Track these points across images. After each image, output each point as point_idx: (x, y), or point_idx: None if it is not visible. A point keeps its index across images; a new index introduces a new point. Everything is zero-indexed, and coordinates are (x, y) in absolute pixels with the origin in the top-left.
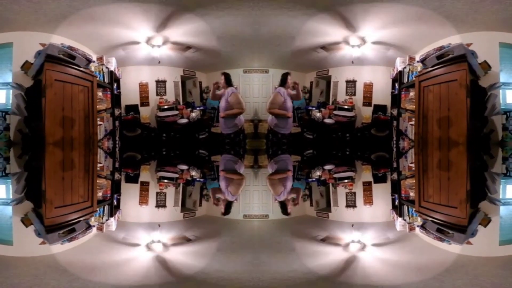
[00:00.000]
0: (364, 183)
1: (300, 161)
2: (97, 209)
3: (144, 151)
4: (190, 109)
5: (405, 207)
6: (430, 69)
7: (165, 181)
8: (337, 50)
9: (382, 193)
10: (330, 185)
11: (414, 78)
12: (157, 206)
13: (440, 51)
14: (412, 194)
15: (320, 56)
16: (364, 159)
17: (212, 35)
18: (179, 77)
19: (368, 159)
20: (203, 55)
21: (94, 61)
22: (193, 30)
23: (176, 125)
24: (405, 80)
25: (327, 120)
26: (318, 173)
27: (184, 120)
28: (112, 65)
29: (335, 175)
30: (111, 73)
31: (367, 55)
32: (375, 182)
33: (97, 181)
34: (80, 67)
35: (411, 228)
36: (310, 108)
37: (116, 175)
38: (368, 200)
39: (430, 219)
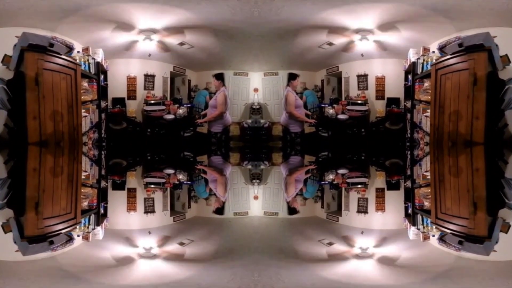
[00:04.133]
0: (377, 190)
1: (314, 163)
2: (81, 219)
3: (130, 149)
4: (177, 105)
5: (419, 216)
6: (448, 56)
7: (152, 186)
8: (345, 44)
9: (394, 200)
10: (343, 189)
11: (430, 68)
12: (146, 212)
13: (457, 39)
14: (426, 203)
15: (328, 53)
16: (378, 164)
17: (209, 32)
18: (169, 73)
19: (382, 165)
20: (196, 53)
21: (77, 50)
22: (188, 24)
23: (162, 120)
24: (419, 71)
25: (341, 116)
26: (331, 176)
27: (171, 116)
28: (99, 56)
29: (348, 180)
30: (98, 64)
31: (376, 48)
32: (388, 189)
33: (83, 190)
34: (61, 54)
35: (425, 237)
36: (323, 105)
37: (103, 183)
38: (380, 206)
39: (449, 231)
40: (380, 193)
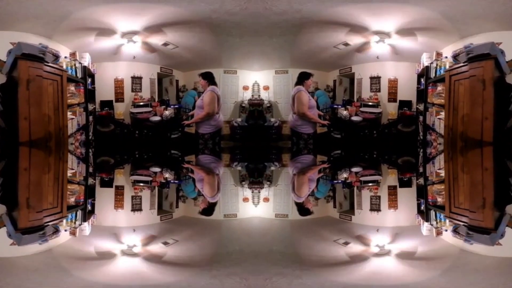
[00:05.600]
0: (390, 187)
1: (327, 161)
2: (68, 214)
3: (118, 150)
4: (164, 106)
5: (432, 212)
6: (461, 64)
7: (141, 184)
8: (360, 45)
9: (407, 198)
10: (355, 187)
11: (444, 73)
12: (133, 210)
13: (468, 48)
14: (439, 199)
15: (342, 53)
16: (390, 162)
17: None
18: (156, 74)
19: (394, 163)
20: (182, 52)
21: (65, 57)
22: (173, 22)
23: (148, 122)
24: (432, 75)
25: (355, 118)
26: (345, 175)
27: (157, 118)
28: (86, 60)
29: (362, 178)
30: (84, 68)
31: (390, 50)
32: (400, 187)
33: (71, 187)
34: (49, 62)
35: (438, 233)
36: (335, 106)
37: (90, 180)
38: (393, 204)
39: (462, 223)
40: (392, 191)
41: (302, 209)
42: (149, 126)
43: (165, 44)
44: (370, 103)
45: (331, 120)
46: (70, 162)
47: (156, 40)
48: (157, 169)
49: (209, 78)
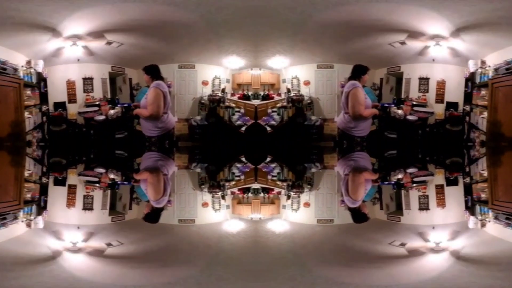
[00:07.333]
0: (437, 186)
1: (380, 162)
2: (24, 207)
3: (69, 149)
4: (110, 105)
5: (478, 207)
6: (501, 75)
7: (95, 184)
8: (416, 46)
9: (453, 196)
10: (403, 188)
11: (486, 80)
12: (84, 209)
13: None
14: (483, 196)
15: (393, 52)
16: (438, 162)
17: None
18: (107, 74)
19: (442, 163)
20: (130, 50)
21: (22, 67)
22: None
23: (92, 121)
24: (477, 80)
25: (410, 117)
26: (400, 175)
27: (102, 117)
28: (40, 67)
29: (415, 179)
30: (39, 74)
31: (443, 53)
32: (447, 185)
33: (28, 185)
34: (10, 74)
35: (483, 225)
36: (386, 105)
37: (44, 179)
38: (441, 202)
39: (502, 212)
40: (439, 189)
41: (358, 215)
42: (94, 126)
43: (109, 43)
44: (419, 103)
45: (384, 120)
46: (27, 163)
47: (100, 41)
48: (101, 170)
49: (152, 72)
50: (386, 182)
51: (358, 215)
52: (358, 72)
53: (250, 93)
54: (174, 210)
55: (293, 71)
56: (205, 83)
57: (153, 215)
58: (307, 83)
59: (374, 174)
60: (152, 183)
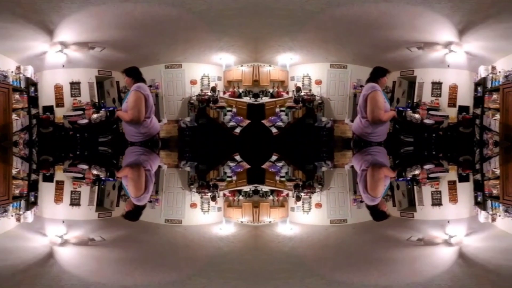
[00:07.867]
0: (449, 182)
1: (395, 159)
2: (13, 202)
3: (55, 150)
4: (94, 110)
5: (489, 202)
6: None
7: (83, 180)
8: (432, 51)
9: (465, 192)
10: (414, 184)
11: (498, 85)
12: (71, 204)
13: None
14: (495, 191)
15: (407, 56)
16: (451, 159)
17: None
18: (94, 78)
19: (455, 160)
20: (114, 53)
21: (12, 72)
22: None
23: (75, 125)
24: (489, 85)
25: (427, 121)
26: (417, 171)
27: (85, 121)
28: (29, 72)
29: (431, 175)
30: (27, 79)
31: (456, 59)
32: (459, 181)
33: (17, 182)
34: (1, 81)
35: (494, 219)
36: (401, 109)
37: (33, 176)
38: (453, 198)
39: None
40: (452, 185)
41: (377, 213)
42: (78, 129)
43: (92, 48)
44: (432, 107)
45: (399, 124)
46: (15, 161)
47: (84, 46)
48: (84, 166)
49: (133, 75)
50: (401, 179)
51: (377, 213)
52: (377, 74)
53: (241, 90)
54: (161, 209)
55: (304, 69)
56: (193, 82)
57: (134, 213)
58: (318, 82)
59: (393, 171)
60: (133, 180)
